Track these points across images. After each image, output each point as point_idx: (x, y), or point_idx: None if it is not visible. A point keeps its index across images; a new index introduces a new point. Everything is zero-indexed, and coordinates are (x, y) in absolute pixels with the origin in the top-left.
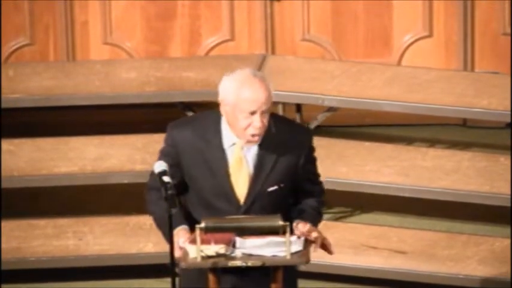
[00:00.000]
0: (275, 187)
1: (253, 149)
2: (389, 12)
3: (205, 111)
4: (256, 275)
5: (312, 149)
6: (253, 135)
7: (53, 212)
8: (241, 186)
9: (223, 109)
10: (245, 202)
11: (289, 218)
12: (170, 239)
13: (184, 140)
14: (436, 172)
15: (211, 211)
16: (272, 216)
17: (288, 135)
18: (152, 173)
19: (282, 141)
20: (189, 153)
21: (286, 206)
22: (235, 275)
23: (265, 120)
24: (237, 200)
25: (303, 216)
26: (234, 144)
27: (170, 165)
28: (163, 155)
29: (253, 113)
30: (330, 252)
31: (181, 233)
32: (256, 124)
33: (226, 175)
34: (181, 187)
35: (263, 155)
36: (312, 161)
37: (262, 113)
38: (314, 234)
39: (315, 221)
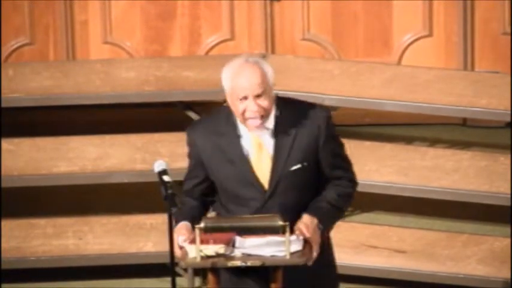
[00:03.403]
0: (298, 166)
1: (270, 132)
2: (389, 12)
3: (219, 107)
4: (263, 275)
5: (330, 127)
6: (252, 119)
7: (53, 211)
8: (263, 170)
9: (227, 100)
10: (269, 185)
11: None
12: (170, 238)
13: (200, 138)
14: (435, 172)
15: (239, 200)
16: (271, 216)
17: (303, 115)
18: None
19: (297, 121)
20: (207, 150)
21: (312, 188)
22: (243, 274)
23: (265, 103)
24: (260, 185)
25: (310, 212)
26: (248, 131)
27: (194, 165)
28: (188, 158)
29: (246, 97)
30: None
31: (181, 232)
32: (252, 108)
33: (247, 162)
34: (206, 185)
35: (281, 136)
36: (332, 139)
37: (257, 96)
38: (307, 235)
39: (326, 217)
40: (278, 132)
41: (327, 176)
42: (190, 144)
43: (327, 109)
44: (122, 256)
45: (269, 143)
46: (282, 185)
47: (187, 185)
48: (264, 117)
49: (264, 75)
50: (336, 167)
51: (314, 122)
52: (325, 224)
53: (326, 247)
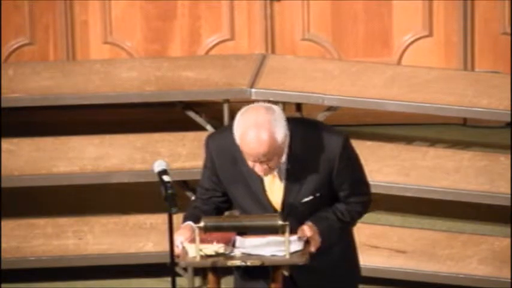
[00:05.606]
0: (310, 197)
1: (284, 162)
2: (389, 12)
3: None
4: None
5: (345, 155)
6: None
7: (53, 211)
8: (276, 197)
9: None
10: (281, 211)
11: None
12: (170, 238)
13: (217, 151)
14: (436, 172)
15: None
16: (272, 215)
17: (317, 143)
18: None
19: (311, 150)
20: (223, 164)
21: None
22: (254, 274)
23: (272, 164)
24: (274, 208)
25: (314, 220)
26: None
27: (209, 177)
28: (204, 167)
29: (252, 160)
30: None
31: (181, 231)
32: (258, 169)
33: (261, 186)
34: (225, 199)
35: (294, 166)
36: (347, 168)
37: (262, 162)
38: (308, 234)
39: (327, 225)
40: (293, 161)
41: (339, 196)
42: (207, 155)
43: (343, 135)
44: (122, 256)
45: (283, 171)
46: (294, 214)
47: (203, 194)
48: (273, 170)
49: (272, 143)
50: (350, 194)
51: (328, 152)
52: (325, 235)
53: (349, 249)
